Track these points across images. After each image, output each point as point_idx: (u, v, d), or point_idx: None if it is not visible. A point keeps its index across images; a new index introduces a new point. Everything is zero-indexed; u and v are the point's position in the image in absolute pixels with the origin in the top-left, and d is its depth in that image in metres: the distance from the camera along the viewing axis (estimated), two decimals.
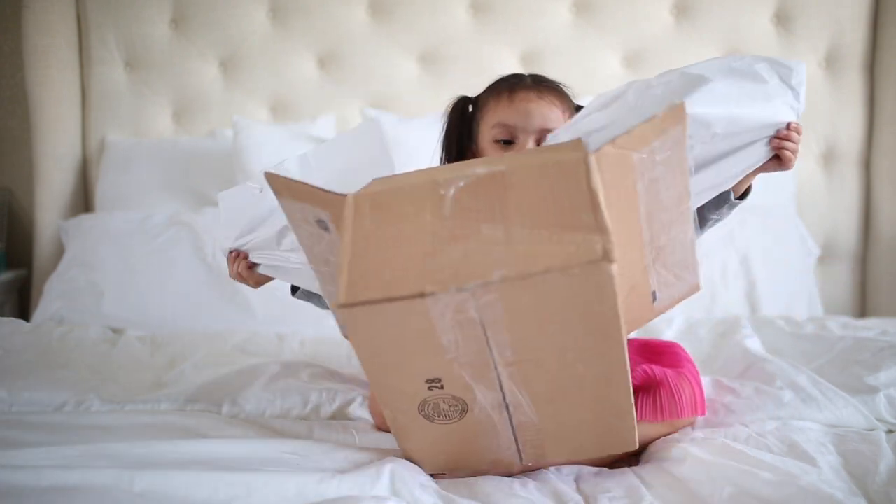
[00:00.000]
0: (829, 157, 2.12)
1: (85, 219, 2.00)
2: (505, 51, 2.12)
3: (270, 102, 2.16)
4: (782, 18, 2.09)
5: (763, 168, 1.05)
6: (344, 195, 0.84)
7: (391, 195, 0.84)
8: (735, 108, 0.95)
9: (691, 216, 0.97)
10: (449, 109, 1.23)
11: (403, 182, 0.87)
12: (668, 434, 1.08)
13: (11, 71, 2.24)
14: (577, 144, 0.85)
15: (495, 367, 0.84)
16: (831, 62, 2.09)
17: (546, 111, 1.13)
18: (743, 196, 1.11)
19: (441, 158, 1.24)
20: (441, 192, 0.83)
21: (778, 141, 1.01)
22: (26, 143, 2.20)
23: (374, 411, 1.16)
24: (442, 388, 0.86)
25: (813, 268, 2.02)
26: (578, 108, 1.20)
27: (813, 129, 2.10)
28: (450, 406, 0.88)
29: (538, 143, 1.14)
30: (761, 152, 1.03)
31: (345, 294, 0.78)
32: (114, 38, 2.13)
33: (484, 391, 0.86)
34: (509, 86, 1.17)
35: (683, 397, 1.07)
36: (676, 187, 0.93)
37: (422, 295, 0.77)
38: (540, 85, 1.16)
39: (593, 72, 2.09)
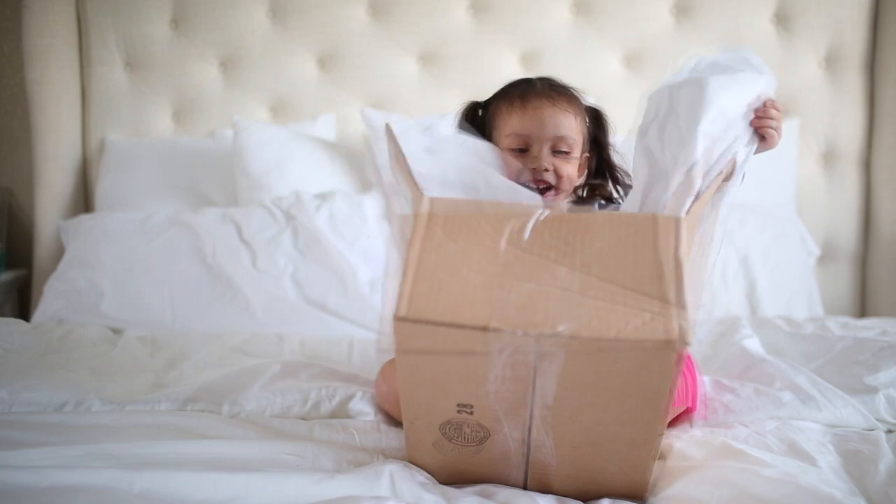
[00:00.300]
0: (829, 157, 2.12)
1: (85, 219, 2.00)
2: (505, 51, 2.12)
3: (270, 102, 2.16)
4: (782, 18, 2.09)
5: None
6: (421, 193, 0.82)
7: (469, 213, 0.82)
8: (725, 103, 0.94)
9: (712, 258, 0.97)
10: (460, 115, 1.21)
11: (483, 205, 0.84)
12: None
13: (11, 71, 2.24)
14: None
15: (531, 409, 0.83)
16: (831, 62, 2.09)
17: (559, 118, 1.13)
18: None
19: None
20: (522, 219, 0.81)
21: (758, 120, 1.00)
22: (26, 143, 2.20)
23: (379, 390, 1.17)
24: (471, 413, 0.85)
25: (813, 268, 2.02)
26: (588, 108, 1.20)
27: (813, 129, 2.10)
28: (472, 431, 0.87)
29: (552, 149, 1.13)
30: (748, 138, 1.01)
31: (406, 307, 0.76)
32: (114, 38, 2.13)
33: (511, 426, 0.85)
34: (521, 92, 1.16)
35: (676, 385, 1.07)
36: (710, 234, 0.94)
37: (485, 329, 0.75)
38: (551, 91, 1.16)
39: (593, 72, 2.09)
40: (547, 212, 0.81)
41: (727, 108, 0.94)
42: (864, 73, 2.09)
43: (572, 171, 1.15)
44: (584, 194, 1.23)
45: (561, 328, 0.74)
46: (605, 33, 2.11)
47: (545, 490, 0.92)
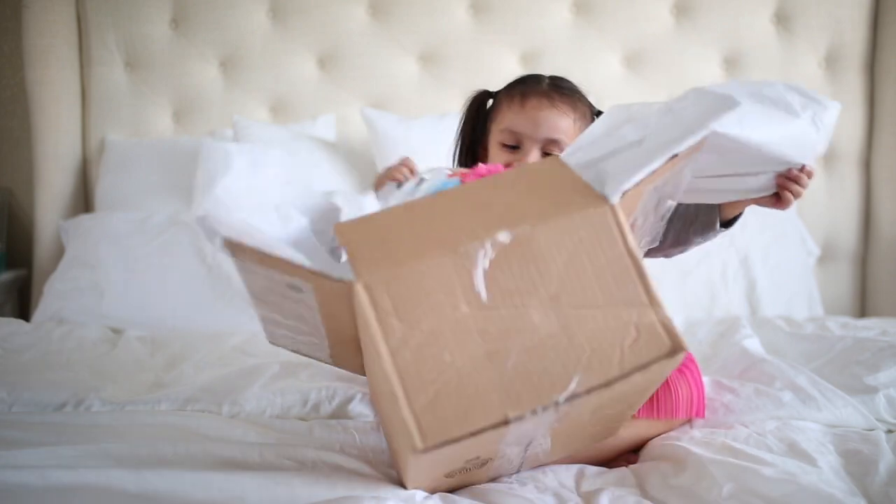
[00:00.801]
0: (829, 158, 2.12)
1: (85, 219, 2.00)
2: (505, 51, 2.12)
3: (270, 102, 2.16)
4: (782, 18, 2.09)
5: (759, 201, 1.01)
6: (339, 280, 0.74)
7: (409, 279, 0.73)
8: (759, 137, 0.89)
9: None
10: (468, 102, 1.21)
11: (415, 257, 0.75)
12: (664, 432, 1.08)
13: (11, 71, 2.24)
14: (598, 195, 0.78)
15: (536, 435, 0.82)
16: (831, 62, 2.09)
17: (556, 121, 1.11)
18: (730, 224, 1.11)
19: (455, 151, 1.23)
20: (468, 269, 0.74)
21: (784, 180, 0.96)
22: (26, 143, 2.20)
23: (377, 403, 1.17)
24: (477, 459, 0.83)
25: (813, 268, 2.02)
26: (599, 114, 1.18)
27: None
28: (474, 465, 0.85)
29: (542, 151, 1.12)
30: (764, 183, 0.98)
31: (420, 439, 0.70)
32: (114, 38, 2.13)
33: (512, 448, 0.84)
34: (524, 89, 1.15)
35: (680, 396, 1.07)
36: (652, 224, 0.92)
37: (506, 422, 0.71)
38: (554, 92, 1.14)
39: (593, 72, 2.09)
40: (489, 255, 0.74)
41: (756, 139, 0.89)
42: (864, 73, 2.09)
43: None
44: None
45: (572, 385, 0.72)
46: (605, 33, 2.11)
47: (536, 465, 0.95)
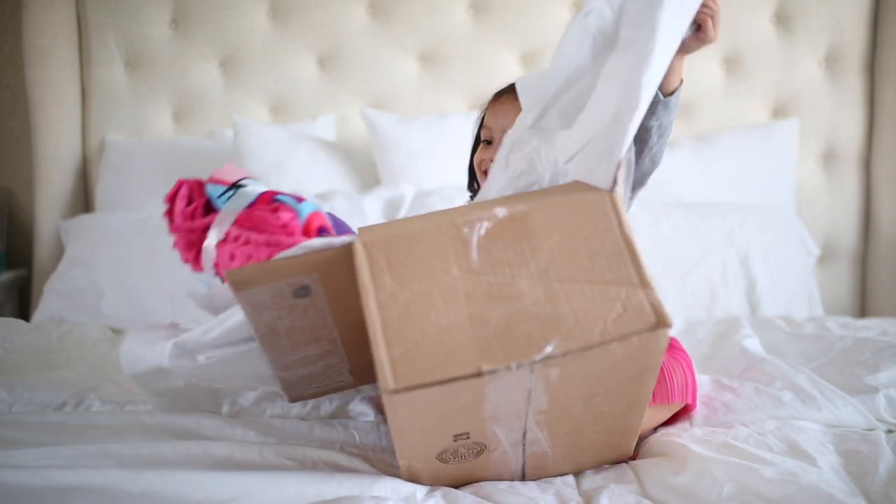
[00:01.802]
0: (829, 157, 2.12)
1: (85, 219, 2.01)
2: (505, 51, 2.12)
3: (270, 102, 2.16)
4: (782, 18, 2.09)
5: (686, 47, 1.02)
6: (337, 247, 0.78)
7: (406, 243, 0.78)
8: (677, 9, 0.91)
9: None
10: (483, 107, 1.28)
11: (416, 226, 0.80)
12: (662, 419, 1.09)
13: (11, 71, 2.24)
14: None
15: (525, 417, 0.83)
16: (831, 62, 2.09)
17: (515, 114, 1.13)
18: (672, 92, 1.10)
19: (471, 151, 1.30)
20: (463, 237, 0.78)
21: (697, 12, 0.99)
22: (26, 143, 2.20)
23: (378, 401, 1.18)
24: (468, 438, 0.84)
25: (813, 268, 2.02)
26: None
27: (813, 129, 2.10)
28: (468, 450, 0.86)
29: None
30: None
31: (392, 379, 0.72)
32: (114, 38, 2.13)
33: (507, 435, 0.85)
34: (502, 89, 1.22)
35: (675, 381, 1.08)
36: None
37: (479, 374, 0.73)
38: None
39: None
40: (484, 226, 0.78)
41: (673, 37, 0.90)
42: (864, 73, 2.09)
43: None
44: None
45: (549, 349, 0.73)
46: None
47: (542, 475, 0.94)
